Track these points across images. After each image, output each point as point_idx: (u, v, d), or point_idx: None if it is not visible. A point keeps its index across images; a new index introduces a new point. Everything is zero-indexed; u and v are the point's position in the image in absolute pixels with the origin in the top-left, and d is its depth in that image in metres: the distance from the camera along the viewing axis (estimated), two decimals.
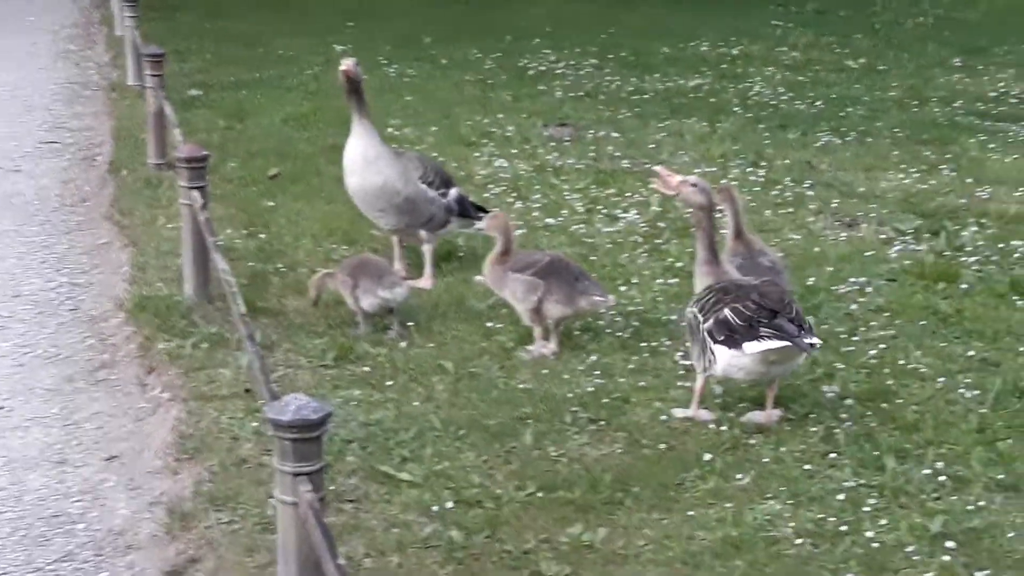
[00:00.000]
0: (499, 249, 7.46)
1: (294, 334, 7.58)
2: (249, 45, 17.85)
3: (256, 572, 5.23)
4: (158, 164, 11.43)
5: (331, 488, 5.72)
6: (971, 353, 7.31)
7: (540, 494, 5.80)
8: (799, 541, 5.40)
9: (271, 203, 10.30)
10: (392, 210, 8.51)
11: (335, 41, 17.97)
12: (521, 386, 6.89)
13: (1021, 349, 7.36)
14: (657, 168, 7.23)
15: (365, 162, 8.45)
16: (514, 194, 10.61)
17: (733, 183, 10.69)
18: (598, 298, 7.38)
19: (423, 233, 8.58)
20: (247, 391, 6.79)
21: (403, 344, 7.39)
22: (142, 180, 11.10)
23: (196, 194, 7.91)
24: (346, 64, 8.47)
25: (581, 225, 9.78)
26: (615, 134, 12.81)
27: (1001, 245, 9.21)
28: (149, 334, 7.68)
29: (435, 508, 5.66)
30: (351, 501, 5.73)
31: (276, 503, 4.39)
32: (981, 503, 5.69)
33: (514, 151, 12.03)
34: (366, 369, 7.11)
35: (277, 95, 14.62)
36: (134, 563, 5.60)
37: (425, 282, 8.42)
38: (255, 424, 6.38)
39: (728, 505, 5.68)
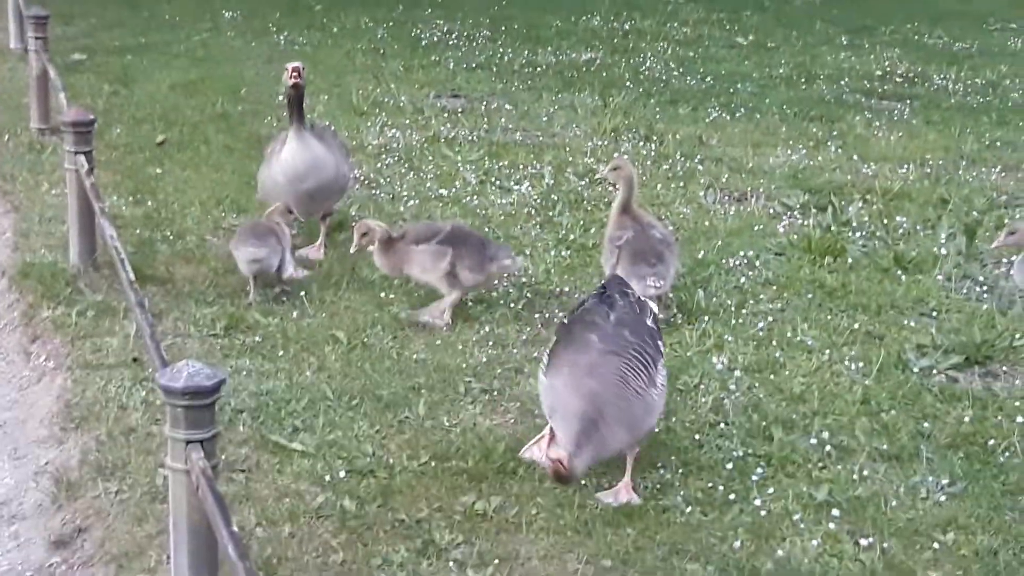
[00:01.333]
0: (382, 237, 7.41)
1: (183, 303, 7.47)
2: (134, 9, 17.53)
3: (145, 541, 5.16)
4: (42, 129, 11.18)
5: (222, 458, 5.64)
6: (856, 326, 7.45)
7: (433, 464, 5.80)
8: (688, 509, 5.47)
9: (158, 170, 10.12)
10: (335, 197, 8.46)
11: (223, 7, 17.71)
12: (414, 357, 6.87)
13: (904, 322, 7.53)
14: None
15: (316, 167, 8.11)
16: (406, 164, 10.57)
17: (624, 157, 10.79)
18: (507, 261, 7.41)
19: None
20: (135, 360, 6.68)
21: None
22: (25, 145, 10.86)
23: (82, 159, 7.74)
24: (294, 70, 7.97)
25: (474, 197, 9.77)
26: (508, 106, 12.82)
27: (885, 220, 9.40)
28: (33, 301, 7.52)
29: (327, 478, 5.63)
30: (242, 471, 5.67)
31: (167, 471, 4.33)
32: (865, 472, 5.81)
33: (406, 121, 11.98)
34: (257, 339, 7.03)
35: (164, 61, 14.38)
36: (19, 533, 5.49)
37: (317, 252, 8.35)
38: (143, 393, 6.28)
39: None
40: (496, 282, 7.70)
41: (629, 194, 7.53)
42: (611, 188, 7.48)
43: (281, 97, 8.45)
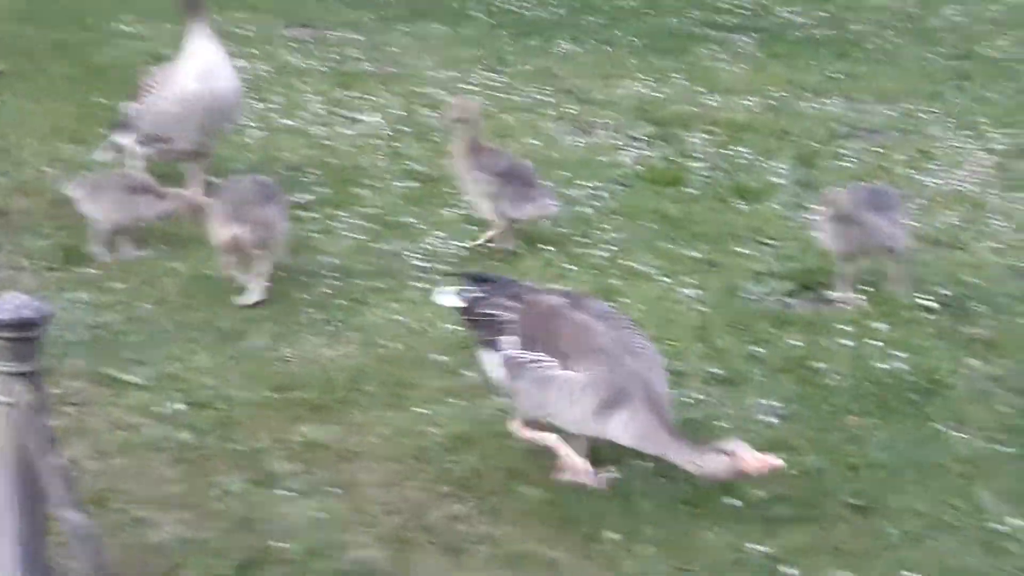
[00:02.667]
0: None
1: (18, 236, 7.31)
2: None
3: None
4: None
5: (55, 391, 5.57)
6: (695, 254, 7.59)
7: (274, 395, 5.79)
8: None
9: None
10: (233, 119, 8.08)
11: None
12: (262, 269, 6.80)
13: (740, 249, 7.68)
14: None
15: (228, 71, 7.80)
16: (254, 95, 10.39)
17: (474, 88, 10.80)
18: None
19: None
20: None
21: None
22: None
23: None
24: None
25: (322, 128, 9.69)
26: (358, 36, 12.69)
27: (727, 152, 9.56)
28: None
29: (164, 411, 5.58)
30: (75, 404, 5.60)
31: None
32: (700, 396, 5.95)
33: (254, 51, 11.79)
34: (93, 272, 6.92)
35: None
36: None
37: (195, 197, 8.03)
38: None
39: (459, 402, 5.79)
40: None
41: (474, 130, 7.50)
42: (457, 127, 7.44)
43: None
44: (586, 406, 4.96)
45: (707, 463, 4.82)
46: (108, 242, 7.15)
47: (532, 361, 5.09)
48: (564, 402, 5.01)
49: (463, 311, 5.44)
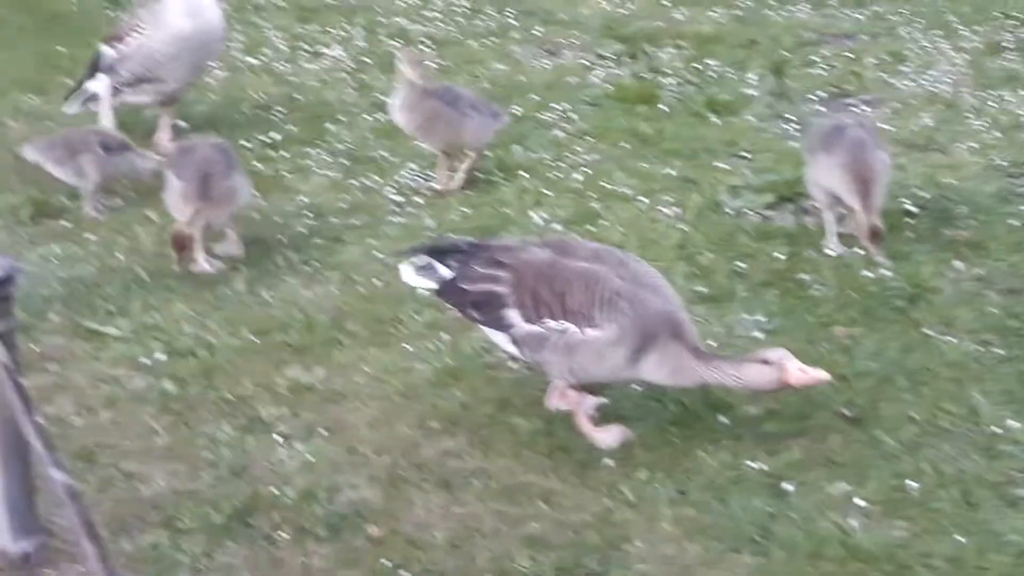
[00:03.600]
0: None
1: None
2: None
3: None
4: None
5: (34, 349, 5.52)
6: (671, 172, 7.52)
7: (256, 339, 5.73)
8: (514, 366, 5.49)
9: None
10: (213, 60, 8.05)
11: None
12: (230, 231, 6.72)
13: (716, 164, 7.61)
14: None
15: (208, 2, 7.69)
16: None
17: (438, 15, 10.67)
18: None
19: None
20: None
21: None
22: None
23: None
24: None
25: (285, 64, 9.55)
26: None
27: (696, 65, 9.45)
28: None
29: (146, 361, 5.52)
30: (55, 360, 5.53)
31: None
32: None
33: None
34: (65, 224, 6.81)
35: None
36: None
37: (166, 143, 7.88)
38: None
39: (445, 336, 5.73)
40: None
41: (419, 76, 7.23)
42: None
43: None
44: (617, 358, 4.79)
45: (748, 375, 4.69)
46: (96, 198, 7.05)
47: (549, 331, 4.86)
48: (593, 361, 4.81)
49: (439, 293, 5.16)
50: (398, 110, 7.18)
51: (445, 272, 5.11)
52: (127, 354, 5.57)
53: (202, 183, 6.25)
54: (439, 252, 5.21)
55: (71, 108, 8.05)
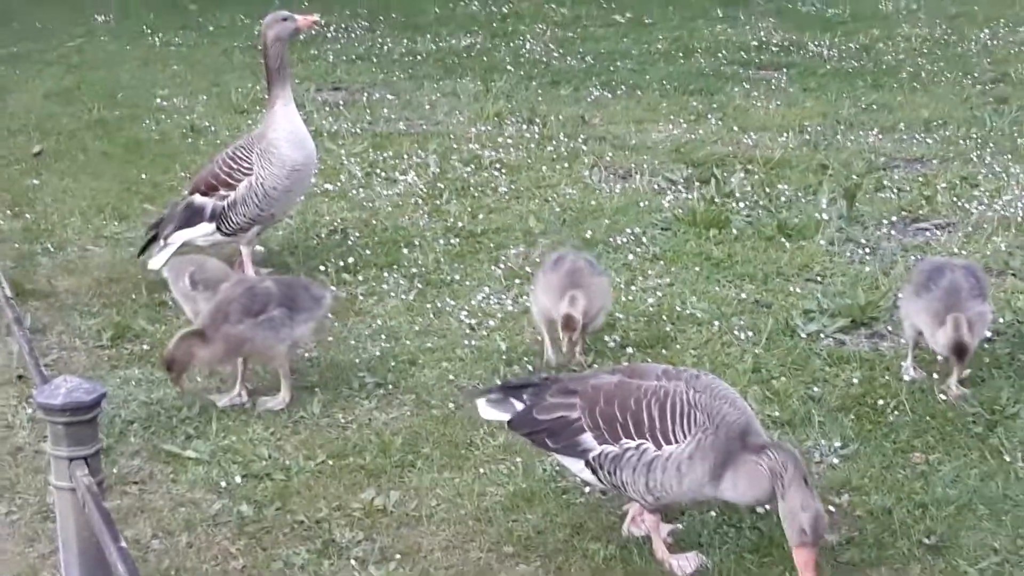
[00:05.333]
0: None
1: (67, 315, 7.33)
2: (3, 18, 17.12)
3: (38, 562, 5.06)
4: None
5: (114, 471, 5.58)
6: (744, 296, 7.53)
7: (330, 462, 5.76)
8: (588, 489, 5.48)
9: (35, 181, 9.93)
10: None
11: (95, 12, 17.39)
12: (306, 355, 6.81)
13: (790, 288, 7.62)
14: None
15: (306, 132, 7.76)
16: None
17: (509, 141, 10.82)
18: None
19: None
20: (20, 377, 6.54)
21: None
22: None
23: None
24: (315, 22, 7.89)
25: (360, 190, 9.71)
26: (390, 96, 12.75)
27: (767, 190, 9.50)
28: None
29: (223, 484, 5.56)
30: (135, 483, 5.58)
31: (53, 489, 4.24)
32: None
33: None
34: (145, 347, 6.92)
35: (37, 69, 14.09)
36: None
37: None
38: (29, 411, 6.15)
39: (518, 460, 5.73)
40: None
41: None
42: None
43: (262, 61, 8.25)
44: (697, 474, 4.75)
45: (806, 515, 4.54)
46: None
47: (625, 450, 4.85)
48: (672, 477, 4.78)
49: (512, 424, 5.16)
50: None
51: (519, 405, 5.14)
52: (205, 477, 5.62)
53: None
54: (514, 388, 5.24)
55: (156, 264, 7.57)
